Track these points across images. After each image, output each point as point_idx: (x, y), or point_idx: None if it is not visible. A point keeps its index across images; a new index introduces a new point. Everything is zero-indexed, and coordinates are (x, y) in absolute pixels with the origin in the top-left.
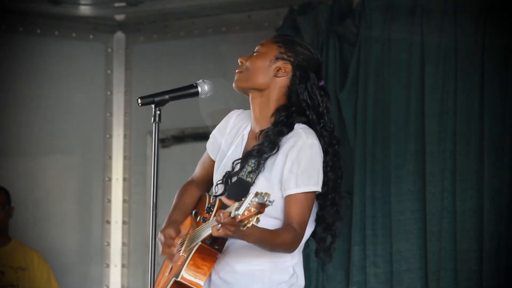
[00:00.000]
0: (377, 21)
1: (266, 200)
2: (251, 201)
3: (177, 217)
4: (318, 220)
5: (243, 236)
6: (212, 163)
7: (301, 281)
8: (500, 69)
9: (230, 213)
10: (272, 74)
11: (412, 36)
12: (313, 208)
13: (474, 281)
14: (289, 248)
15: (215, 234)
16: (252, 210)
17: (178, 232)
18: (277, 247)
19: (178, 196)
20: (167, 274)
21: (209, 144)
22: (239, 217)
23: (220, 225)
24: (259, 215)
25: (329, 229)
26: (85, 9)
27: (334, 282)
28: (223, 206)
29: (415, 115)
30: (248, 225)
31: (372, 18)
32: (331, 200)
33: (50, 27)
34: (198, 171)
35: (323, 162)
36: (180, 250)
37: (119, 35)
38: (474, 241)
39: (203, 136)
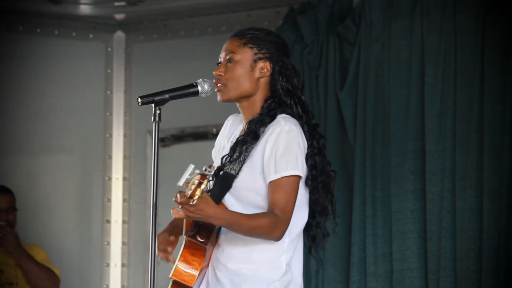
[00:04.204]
0: (377, 21)
1: (205, 170)
2: (190, 175)
3: (177, 222)
4: (312, 204)
5: (207, 217)
6: None
7: (298, 278)
8: (499, 68)
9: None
10: (256, 77)
11: (411, 35)
12: (304, 195)
13: (474, 280)
14: (268, 233)
15: (176, 215)
16: (196, 183)
17: (174, 234)
18: (253, 231)
19: None
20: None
21: (213, 152)
22: (189, 193)
23: (180, 207)
24: (201, 186)
25: (325, 212)
26: (85, 9)
27: (334, 281)
28: None
29: (414, 114)
30: (195, 198)
31: (372, 17)
32: (322, 183)
33: (50, 26)
34: None
35: (309, 146)
36: None
37: (119, 35)
38: (474, 240)
39: (203, 135)
